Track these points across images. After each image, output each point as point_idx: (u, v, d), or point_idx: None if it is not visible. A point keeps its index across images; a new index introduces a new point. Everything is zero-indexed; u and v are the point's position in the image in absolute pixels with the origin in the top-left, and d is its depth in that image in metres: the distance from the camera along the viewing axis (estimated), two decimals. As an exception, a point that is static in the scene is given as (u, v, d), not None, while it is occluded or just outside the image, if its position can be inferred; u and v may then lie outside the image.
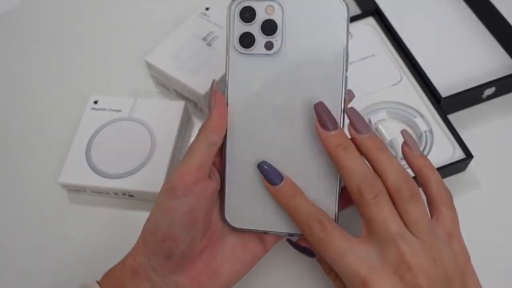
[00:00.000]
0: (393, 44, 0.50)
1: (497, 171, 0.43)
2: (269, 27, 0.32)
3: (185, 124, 0.48)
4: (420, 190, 0.32)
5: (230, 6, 0.32)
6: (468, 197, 0.42)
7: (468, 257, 0.31)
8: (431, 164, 0.32)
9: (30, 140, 0.50)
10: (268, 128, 0.32)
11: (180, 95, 0.49)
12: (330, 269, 0.33)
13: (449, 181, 0.43)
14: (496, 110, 0.47)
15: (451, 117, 0.46)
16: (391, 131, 0.44)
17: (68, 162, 0.44)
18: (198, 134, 0.32)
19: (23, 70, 0.55)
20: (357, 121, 0.31)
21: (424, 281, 0.28)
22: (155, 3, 0.59)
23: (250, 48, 0.32)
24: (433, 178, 0.32)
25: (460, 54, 0.49)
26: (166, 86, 0.50)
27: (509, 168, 0.44)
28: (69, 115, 0.50)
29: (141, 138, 0.45)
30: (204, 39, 0.49)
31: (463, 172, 0.43)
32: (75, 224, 0.44)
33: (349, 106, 0.33)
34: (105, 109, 0.47)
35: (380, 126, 0.44)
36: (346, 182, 0.30)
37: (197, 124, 0.49)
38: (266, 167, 0.32)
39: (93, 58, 0.56)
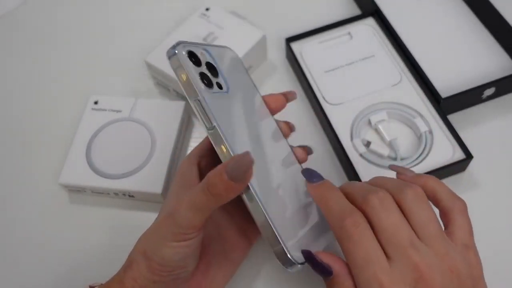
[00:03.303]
0: (393, 45, 0.50)
1: (497, 172, 0.43)
2: (212, 69, 0.33)
3: (185, 124, 0.48)
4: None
5: (176, 53, 0.31)
6: (468, 198, 0.42)
7: (482, 270, 0.30)
8: (433, 177, 0.32)
9: (30, 140, 0.50)
10: (261, 156, 0.33)
11: (180, 95, 0.49)
12: None
13: (449, 181, 0.43)
14: (496, 111, 0.47)
15: (451, 117, 0.46)
16: (391, 132, 0.44)
17: (68, 163, 0.44)
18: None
19: (24, 70, 0.55)
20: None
21: None
22: (155, 3, 0.59)
23: (212, 89, 0.32)
24: (441, 189, 0.31)
25: (460, 54, 0.49)
26: (166, 86, 0.50)
27: (509, 168, 0.44)
28: (69, 115, 0.50)
29: (141, 139, 0.45)
30: (204, 39, 0.49)
31: (463, 172, 0.43)
32: (75, 225, 0.44)
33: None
34: (105, 110, 0.47)
35: (380, 127, 0.44)
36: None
37: (197, 124, 0.49)
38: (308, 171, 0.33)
39: (93, 58, 0.56)
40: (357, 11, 0.56)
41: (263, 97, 0.37)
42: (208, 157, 0.36)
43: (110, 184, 0.42)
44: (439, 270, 0.27)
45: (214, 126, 0.30)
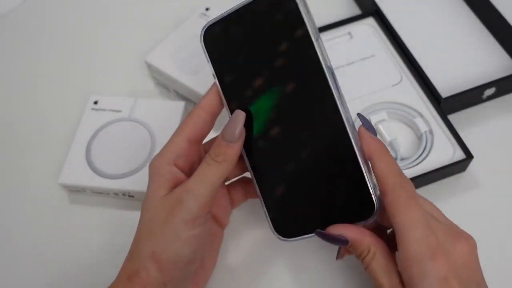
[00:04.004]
0: (393, 44, 0.50)
1: (497, 171, 0.43)
2: None
3: (185, 124, 0.48)
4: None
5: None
6: (468, 197, 0.42)
7: (477, 257, 0.30)
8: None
9: (30, 140, 0.49)
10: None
11: (180, 95, 0.49)
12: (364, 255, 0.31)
13: (449, 181, 0.43)
14: (496, 111, 0.47)
15: (451, 117, 0.46)
16: (391, 132, 0.44)
17: (68, 163, 0.44)
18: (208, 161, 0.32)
19: (24, 70, 0.55)
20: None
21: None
22: (155, 3, 0.59)
23: None
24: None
25: (460, 54, 0.49)
26: (166, 86, 0.50)
27: (509, 168, 0.44)
28: (69, 115, 0.50)
29: (141, 139, 0.45)
30: (204, 39, 0.49)
31: (463, 172, 0.43)
32: (75, 225, 0.44)
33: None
34: (105, 110, 0.47)
35: (380, 127, 0.44)
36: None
37: (197, 124, 0.49)
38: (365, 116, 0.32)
39: (93, 58, 0.56)
40: (357, 11, 0.56)
41: None
42: (187, 156, 0.34)
43: (110, 184, 0.42)
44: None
45: (331, 66, 0.31)
